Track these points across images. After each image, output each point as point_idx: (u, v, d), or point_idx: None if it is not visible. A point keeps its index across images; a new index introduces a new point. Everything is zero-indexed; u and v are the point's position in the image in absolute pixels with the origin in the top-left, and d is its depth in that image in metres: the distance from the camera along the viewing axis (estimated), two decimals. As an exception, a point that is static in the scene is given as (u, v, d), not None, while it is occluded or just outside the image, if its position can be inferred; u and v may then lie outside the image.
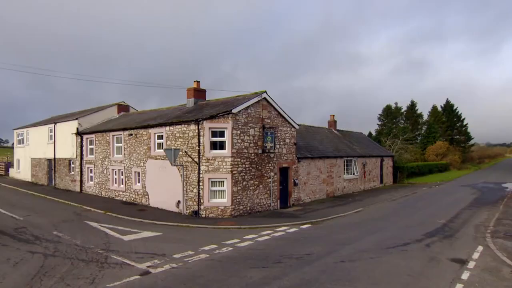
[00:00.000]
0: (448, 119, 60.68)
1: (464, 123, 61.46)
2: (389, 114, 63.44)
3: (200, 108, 17.63)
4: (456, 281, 7.22)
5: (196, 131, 15.18)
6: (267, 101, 16.81)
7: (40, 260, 8.49)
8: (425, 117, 62.40)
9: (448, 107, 61.94)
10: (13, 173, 32.66)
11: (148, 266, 8.06)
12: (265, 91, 16.58)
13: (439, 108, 62.88)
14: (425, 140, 55.80)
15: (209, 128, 14.97)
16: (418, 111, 62.06)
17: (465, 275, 7.55)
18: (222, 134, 15.11)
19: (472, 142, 65.17)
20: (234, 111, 14.91)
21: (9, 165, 34.90)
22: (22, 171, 30.68)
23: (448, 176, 39.40)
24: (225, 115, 14.91)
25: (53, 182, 25.69)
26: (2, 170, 35.21)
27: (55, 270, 7.78)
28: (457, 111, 61.70)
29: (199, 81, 19.64)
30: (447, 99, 64.67)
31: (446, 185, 30.20)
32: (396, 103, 63.54)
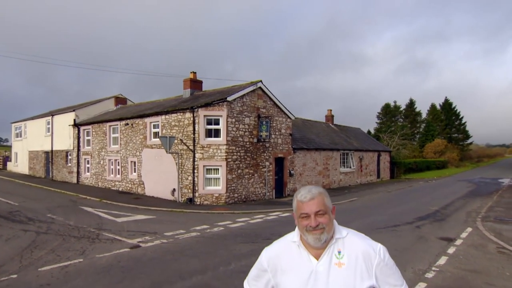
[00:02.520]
0: (446, 117, 60.74)
1: (463, 121, 61.53)
2: (388, 112, 63.49)
3: (196, 98, 17.72)
4: (441, 254, 7.31)
5: (191, 119, 15.27)
6: (263, 91, 16.90)
7: (32, 237, 8.57)
8: (424, 115, 62.54)
9: (447, 105, 62.00)
10: (10, 166, 32.74)
11: (139, 242, 8.15)
12: (261, 80, 16.68)
13: (438, 107, 62.97)
14: (423, 138, 55.84)
15: (204, 115, 15.06)
16: (417, 110, 62.14)
17: (451, 250, 7.65)
18: (217, 122, 15.20)
19: (471, 142, 65.07)
20: (229, 99, 15.00)
21: (7, 159, 34.97)
22: (19, 164, 30.76)
23: (445, 172, 39.47)
24: (220, 103, 14.99)
25: (50, 174, 25.77)
26: (0, 164, 35.28)
27: (46, 244, 7.87)
28: (455, 109, 61.76)
29: (195, 72, 19.73)
30: (446, 97, 64.93)
31: (443, 180, 30.28)
32: (395, 102, 63.57)
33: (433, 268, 6.38)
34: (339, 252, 1.74)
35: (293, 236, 1.87)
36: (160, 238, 8.51)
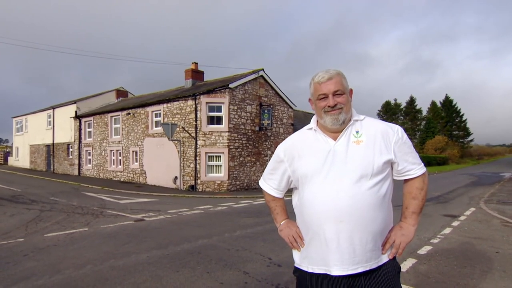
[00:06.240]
0: (447, 115, 60.74)
1: (463, 118, 61.50)
2: (389, 110, 63.62)
3: (198, 87, 17.72)
4: (446, 226, 7.32)
5: (193, 106, 15.28)
6: (264, 79, 16.91)
7: (36, 213, 8.57)
8: (424, 113, 62.54)
9: (447, 103, 62.00)
10: (11, 161, 32.73)
11: (143, 216, 8.16)
12: (262, 69, 16.69)
13: (439, 104, 62.98)
14: (424, 135, 55.87)
15: (206, 102, 15.08)
16: (418, 107, 62.18)
17: (455, 223, 7.66)
18: (219, 109, 15.21)
19: (472, 139, 64.99)
20: (231, 86, 15.02)
21: (8, 154, 35.00)
22: (20, 159, 30.74)
23: (446, 168, 39.49)
24: (222, 90, 15.01)
25: (52, 167, 25.76)
26: (1, 159, 35.27)
27: (51, 218, 7.87)
28: (456, 106, 61.74)
29: (197, 63, 19.75)
30: (446, 94, 64.89)
31: (444, 173, 30.28)
32: (395, 99, 63.73)
33: (438, 236, 6.39)
34: (357, 132, 1.75)
35: (309, 125, 1.87)
36: (164, 214, 8.53)
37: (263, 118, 16.57)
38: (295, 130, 19.35)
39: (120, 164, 19.60)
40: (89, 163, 22.23)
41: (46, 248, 5.22)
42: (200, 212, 8.86)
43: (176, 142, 15.74)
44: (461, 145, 58.32)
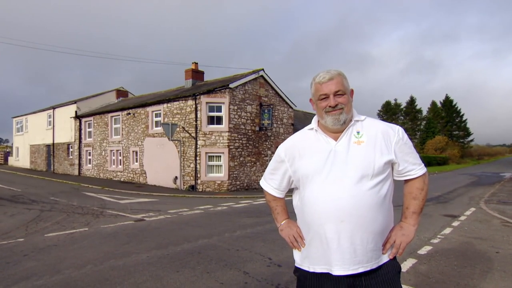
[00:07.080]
0: (447, 115, 60.72)
1: (463, 118, 61.49)
2: (389, 110, 63.61)
3: (198, 87, 17.72)
4: (446, 226, 7.32)
5: (194, 106, 15.28)
6: (264, 79, 16.91)
7: (36, 213, 8.58)
8: (425, 113, 62.54)
9: (448, 103, 61.98)
10: (12, 161, 32.74)
11: (143, 216, 8.16)
12: (263, 69, 16.69)
13: (439, 104, 62.97)
14: (424, 135, 55.90)
15: (207, 102, 15.08)
16: (418, 107, 62.18)
17: (455, 223, 7.66)
18: (219, 109, 15.21)
19: (472, 139, 64.97)
20: (231, 86, 15.02)
21: (8, 154, 35.01)
22: (21, 159, 30.75)
23: (446, 168, 39.51)
24: (222, 90, 15.01)
25: (52, 167, 25.77)
26: (1, 159, 35.28)
27: (51, 218, 7.88)
28: (456, 106, 61.73)
29: (197, 63, 19.75)
30: (446, 94, 64.87)
31: (444, 174, 30.29)
32: (395, 99, 63.72)
33: (439, 236, 6.39)
34: (358, 132, 1.75)
35: (310, 125, 1.87)
36: (164, 214, 8.53)
37: (263, 118, 16.57)
38: (295, 130, 19.38)
39: (120, 164, 19.60)
40: (89, 163, 22.24)
41: (46, 248, 5.22)
42: (200, 212, 8.86)
43: (176, 142, 15.74)
44: (461, 145, 58.32)
